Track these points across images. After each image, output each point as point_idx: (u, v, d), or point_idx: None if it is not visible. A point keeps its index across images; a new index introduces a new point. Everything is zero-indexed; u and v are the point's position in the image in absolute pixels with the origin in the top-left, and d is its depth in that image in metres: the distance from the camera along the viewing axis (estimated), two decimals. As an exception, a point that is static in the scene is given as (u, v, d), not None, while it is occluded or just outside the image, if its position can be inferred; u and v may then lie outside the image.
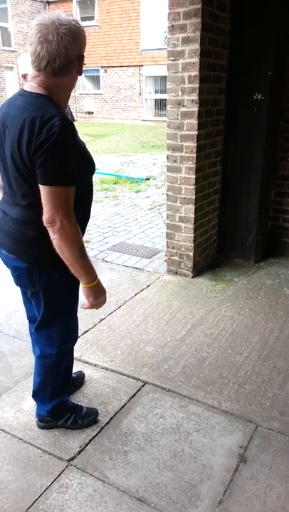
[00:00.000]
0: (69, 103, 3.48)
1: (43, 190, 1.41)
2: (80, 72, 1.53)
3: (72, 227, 1.45)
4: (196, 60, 3.11)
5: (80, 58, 1.49)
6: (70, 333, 1.87)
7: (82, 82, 18.96)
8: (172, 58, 3.20)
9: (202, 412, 2.14)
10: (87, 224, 1.75)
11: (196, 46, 3.08)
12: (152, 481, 1.76)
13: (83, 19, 18.38)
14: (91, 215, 1.80)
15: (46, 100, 1.45)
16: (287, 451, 1.91)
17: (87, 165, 1.62)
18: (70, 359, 1.99)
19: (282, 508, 1.65)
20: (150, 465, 1.84)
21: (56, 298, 1.70)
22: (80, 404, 2.11)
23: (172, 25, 3.15)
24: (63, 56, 1.41)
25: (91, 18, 18.15)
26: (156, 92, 17.42)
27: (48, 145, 1.36)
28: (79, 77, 1.62)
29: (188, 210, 3.52)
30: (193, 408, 2.17)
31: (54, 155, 1.38)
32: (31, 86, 1.49)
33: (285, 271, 3.75)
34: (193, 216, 3.51)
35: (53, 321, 1.77)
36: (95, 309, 1.65)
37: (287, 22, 3.46)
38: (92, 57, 17.86)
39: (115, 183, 7.34)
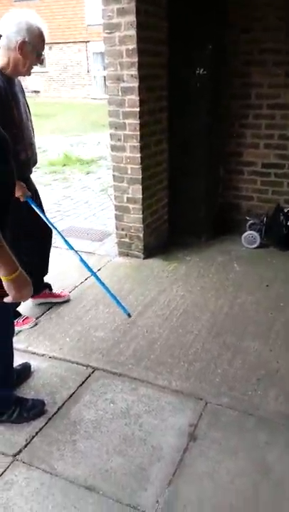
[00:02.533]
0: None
1: None
2: None
3: None
4: (132, 32, 2.98)
5: None
6: (3, 326, 1.77)
7: (27, 60, 18.10)
8: (108, 31, 3.06)
9: (152, 394, 2.12)
10: (7, 210, 1.60)
11: (132, 18, 2.95)
12: (101, 468, 1.73)
13: (23, -7, 17.45)
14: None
15: None
16: (236, 425, 1.93)
17: None
18: (8, 353, 1.90)
19: (231, 483, 1.67)
20: (99, 452, 1.81)
21: None
22: (25, 396, 2.04)
23: (106, -4, 3.00)
24: None
25: (32, -8, 17.24)
26: (105, 68, 16.95)
27: None
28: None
29: (136, 191, 3.44)
30: (143, 390, 2.15)
31: None
32: None
33: (235, 247, 3.78)
34: (141, 196, 3.44)
35: None
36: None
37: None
38: (35, 33, 17.06)
39: (64, 165, 7.12)
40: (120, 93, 3.19)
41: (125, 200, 3.51)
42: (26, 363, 2.28)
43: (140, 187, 3.41)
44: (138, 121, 3.20)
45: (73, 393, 2.13)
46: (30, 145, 2.45)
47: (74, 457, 1.78)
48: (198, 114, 3.53)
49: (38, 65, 2.33)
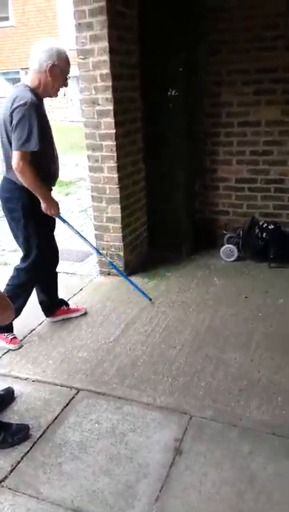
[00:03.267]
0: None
1: None
2: None
3: None
4: (106, 58, 3.08)
5: None
6: None
7: (1, 84, 18.25)
8: (82, 57, 3.16)
9: (137, 411, 2.13)
10: None
11: (105, 44, 3.05)
12: (88, 488, 1.73)
13: (-3, 19, 17.67)
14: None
15: None
16: (220, 437, 1.96)
17: None
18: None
19: (217, 494, 1.69)
20: (85, 473, 1.80)
21: None
22: (9, 421, 2.03)
23: (79, 24, 3.11)
24: None
25: (6, 19, 17.47)
26: (81, 92, 17.20)
27: None
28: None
29: (115, 210, 3.50)
30: (128, 408, 2.16)
31: None
32: None
33: (214, 261, 3.85)
34: (120, 215, 3.50)
35: None
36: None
37: (196, 13, 3.54)
38: (11, 59, 17.21)
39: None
40: (96, 116, 3.27)
41: (104, 219, 3.56)
42: (9, 387, 2.27)
43: (119, 206, 3.47)
44: (114, 143, 3.28)
45: (58, 416, 2.12)
46: (57, 159, 2.65)
47: (60, 480, 1.77)
48: (173, 134, 3.64)
49: (64, 87, 2.58)
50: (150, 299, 3.18)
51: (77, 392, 2.28)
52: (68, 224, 2.85)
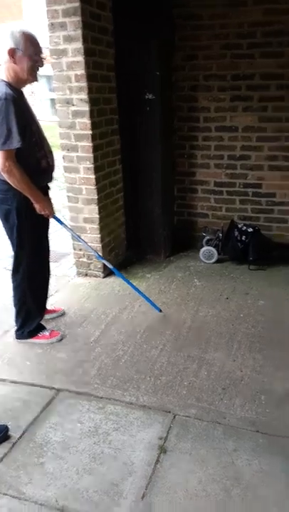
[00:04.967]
0: None
1: None
2: None
3: None
4: (80, 58, 3.04)
5: None
6: None
7: None
8: (55, 57, 3.11)
9: (120, 411, 2.09)
10: None
11: (79, 45, 3.01)
12: (72, 487, 1.68)
13: None
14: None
15: None
16: (205, 435, 1.94)
17: None
18: None
19: (204, 491, 1.66)
20: (69, 472, 1.74)
21: None
22: (-13, 423, 1.95)
23: (52, 23, 3.05)
24: None
25: None
26: (51, 90, 16.95)
27: None
28: None
29: (92, 211, 3.46)
30: (111, 408, 2.11)
31: None
32: None
33: (194, 263, 3.87)
34: (98, 216, 3.46)
35: None
36: None
37: (170, 17, 3.59)
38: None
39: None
40: (71, 116, 3.23)
41: (81, 220, 3.52)
42: (-14, 389, 2.19)
43: (96, 207, 3.43)
44: (91, 144, 3.25)
45: (38, 416, 2.06)
46: (50, 153, 2.53)
47: (43, 479, 1.71)
48: (150, 137, 3.64)
49: (39, 68, 2.38)
50: (160, 310, 3.00)
51: (58, 393, 2.22)
52: (65, 225, 2.79)
